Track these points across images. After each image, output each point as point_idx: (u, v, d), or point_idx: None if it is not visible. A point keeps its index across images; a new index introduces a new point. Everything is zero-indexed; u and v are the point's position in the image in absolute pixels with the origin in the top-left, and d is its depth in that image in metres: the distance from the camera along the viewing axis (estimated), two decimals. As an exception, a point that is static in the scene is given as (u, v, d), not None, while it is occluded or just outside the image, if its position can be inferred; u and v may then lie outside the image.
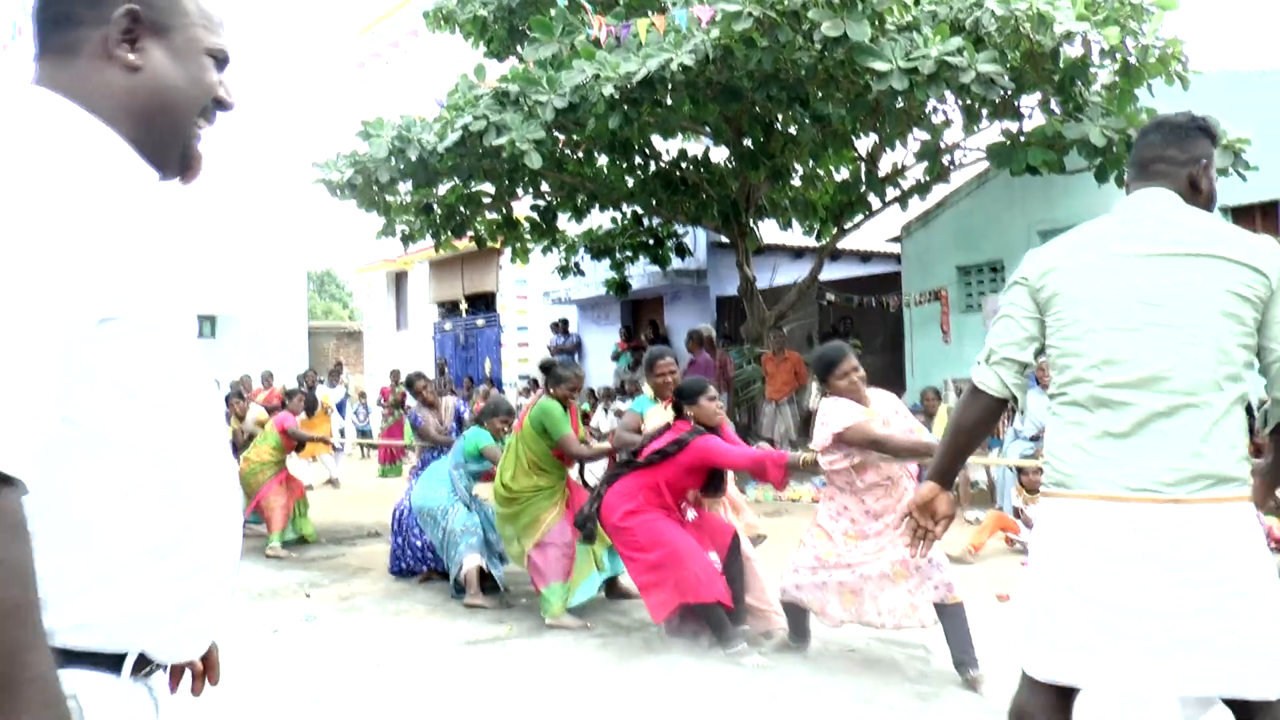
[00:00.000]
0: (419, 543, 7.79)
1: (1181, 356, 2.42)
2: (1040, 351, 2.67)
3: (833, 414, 4.83)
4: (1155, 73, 9.30)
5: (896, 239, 14.73)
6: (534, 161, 10.48)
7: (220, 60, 1.53)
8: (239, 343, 30.90)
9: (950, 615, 4.68)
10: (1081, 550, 2.45)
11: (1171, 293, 2.46)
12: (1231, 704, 2.49)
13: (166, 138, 1.46)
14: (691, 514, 5.90)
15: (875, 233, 15.96)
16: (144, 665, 1.38)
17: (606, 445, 6.80)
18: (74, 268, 1.17)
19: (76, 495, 1.25)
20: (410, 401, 8.83)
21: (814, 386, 5.07)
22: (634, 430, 6.46)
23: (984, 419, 2.74)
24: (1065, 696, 2.57)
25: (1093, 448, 2.47)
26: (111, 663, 1.32)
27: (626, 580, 6.54)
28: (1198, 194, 2.65)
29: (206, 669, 1.63)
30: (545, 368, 6.66)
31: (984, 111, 10.78)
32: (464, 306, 23.88)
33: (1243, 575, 2.36)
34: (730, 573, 5.71)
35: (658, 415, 6.40)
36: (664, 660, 5.24)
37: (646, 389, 6.75)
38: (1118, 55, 9.27)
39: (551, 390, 6.55)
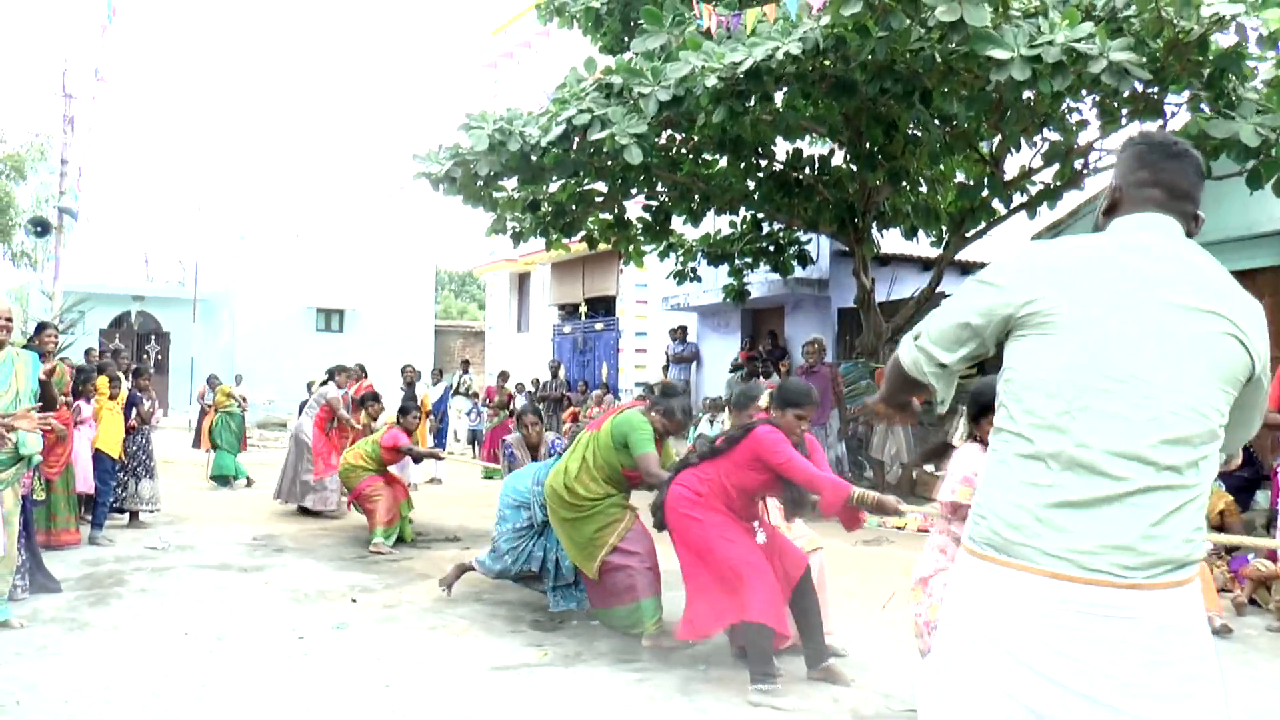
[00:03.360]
0: None
1: (1167, 427, 2.07)
2: (971, 360, 2.36)
3: (962, 472, 4.18)
4: (1327, 64, 8.27)
5: (1027, 251, 13.73)
6: (634, 156, 10.00)
7: None
8: (365, 337, 31.40)
9: None
10: (1016, 629, 2.10)
11: (1176, 354, 2.11)
12: None
13: None
14: (762, 536, 5.28)
15: (1009, 245, 14.99)
16: None
17: None
18: None
19: None
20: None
21: (960, 422, 4.36)
22: None
23: (906, 388, 2.53)
24: None
25: (1046, 516, 2.10)
26: None
27: None
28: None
29: None
30: (668, 392, 6.07)
31: (1123, 111, 9.84)
32: (584, 310, 23.59)
33: (1195, 656, 2.10)
34: (801, 606, 5.12)
35: None
36: (697, 706, 4.64)
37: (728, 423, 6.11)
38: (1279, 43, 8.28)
39: (654, 413, 5.91)
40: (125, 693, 4.73)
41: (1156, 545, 2.04)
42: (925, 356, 2.37)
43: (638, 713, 4.54)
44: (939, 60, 9.10)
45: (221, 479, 14.22)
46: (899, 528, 10.85)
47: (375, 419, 11.52)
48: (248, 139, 31.84)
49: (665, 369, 19.94)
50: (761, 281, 17.29)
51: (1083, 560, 2.04)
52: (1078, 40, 7.73)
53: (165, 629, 5.96)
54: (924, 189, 13.27)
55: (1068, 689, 2.03)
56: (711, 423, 14.37)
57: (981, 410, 4.20)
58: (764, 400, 5.37)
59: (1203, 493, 2.11)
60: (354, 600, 6.91)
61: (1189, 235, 2.26)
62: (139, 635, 5.82)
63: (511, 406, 17.83)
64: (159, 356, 30.19)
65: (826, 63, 9.83)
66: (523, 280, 26.75)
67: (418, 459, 10.52)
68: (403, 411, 10.42)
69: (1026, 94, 9.25)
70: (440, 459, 11.60)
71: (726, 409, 14.49)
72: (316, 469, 11.39)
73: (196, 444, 21.49)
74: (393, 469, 9.94)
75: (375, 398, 11.89)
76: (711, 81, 9.41)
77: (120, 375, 10.00)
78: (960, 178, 12.74)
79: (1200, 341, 2.10)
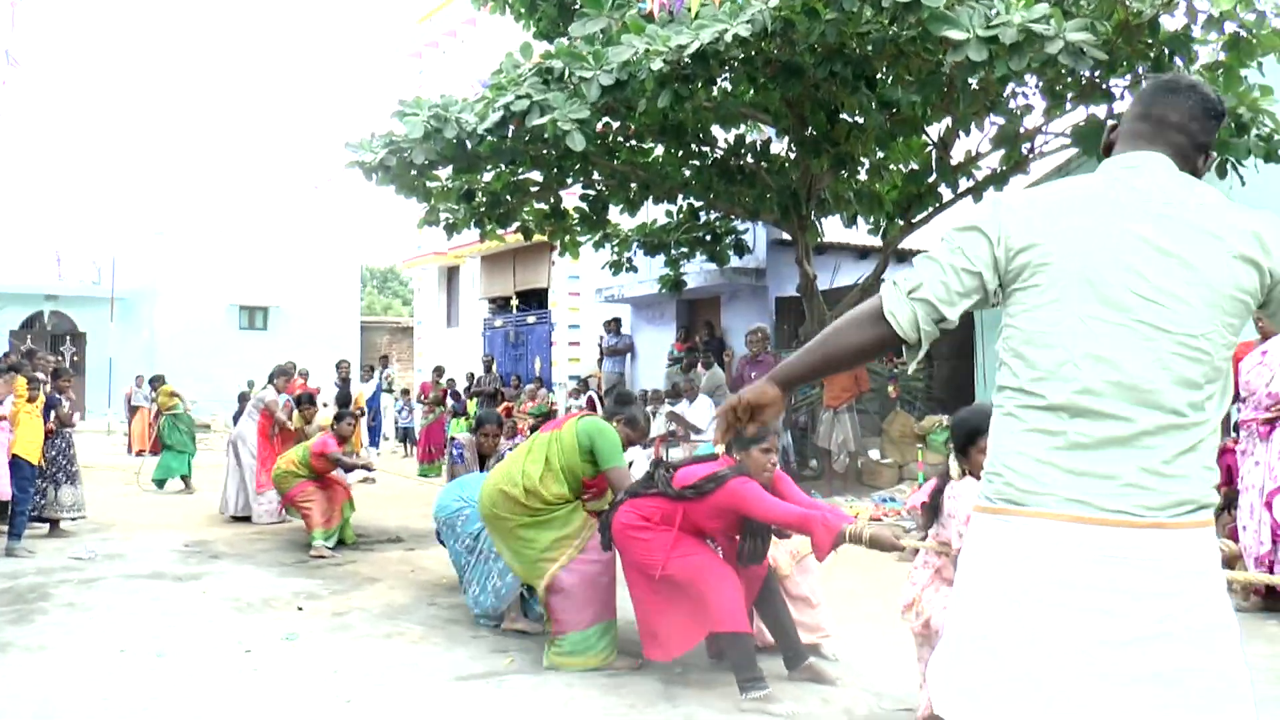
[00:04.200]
0: None
1: (1171, 369, 2.02)
2: (967, 312, 2.23)
3: (966, 512, 3.84)
4: (1270, 46, 8.27)
5: (968, 237, 13.71)
6: (577, 143, 9.71)
7: None
8: (290, 335, 30.73)
9: None
10: (1040, 579, 2.03)
11: (1173, 290, 2.03)
12: None
13: None
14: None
15: (945, 232, 14.96)
16: None
17: None
18: None
19: None
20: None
21: (952, 463, 4.08)
22: None
23: (871, 350, 2.27)
24: None
25: (1062, 461, 2.03)
26: None
27: None
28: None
29: None
30: (624, 400, 5.69)
31: (1068, 95, 9.81)
32: (515, 303, 23.23)
33: (1212, 600, 2.04)
34: (768, 609, 4.90)
35: None
36: (683, 713, 4.40)
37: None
38: (1225, 26, 8.28)
39: (616, 423, 5.52)
40: (60, 719, 4.36)
41: (1173, 485, 2.00)
42: (927, 309, 2.17)
43: (619, 722, 4.29)
44: (889, 43, 8.96)
45: (162, 482, 13.73)
46: (853, 516, 10.71)
47: (309, 422, 11.08)
48: (165, 131, 30.85)
49: (599, 361, 19.70)
50: (697, 271, 17.11)
51: (1102, 501, 1.99)
52: (1034, 21, 7.62)
53: (99, 646, 5.56)
54: (863, 176, 13.16)
55: (1087, 633, 1.98)
56: (653, 415, 14.13)
57: (969, 439, 3.98)
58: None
59: (1212, 432, 2.05)
60: (300, 608, 6.54)
61: (1195, 171, 2.18)
62: (70, 654, 5.41)
63: (447, 402, 17.45)
64: (75, 358, 29.14)
65: (772, 47, 9.65)
66: (452, 274, 26.29)
67: (347, 469, 10.01)
68: (337, 418, 9.99)
69: (974, 77, 9.12)
70: (371, 470, 11.08)
71: (667, 400, 14.27)
72: (259, 481, 10.86)
73: (129, 449, 20.73)
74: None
75: (310, 400, 11.45)
76: (657, 65, 9.16)
77: (39, 376, 9.47)
78: (904, 164, 12.64)
79: (1195, 274, 2.03)
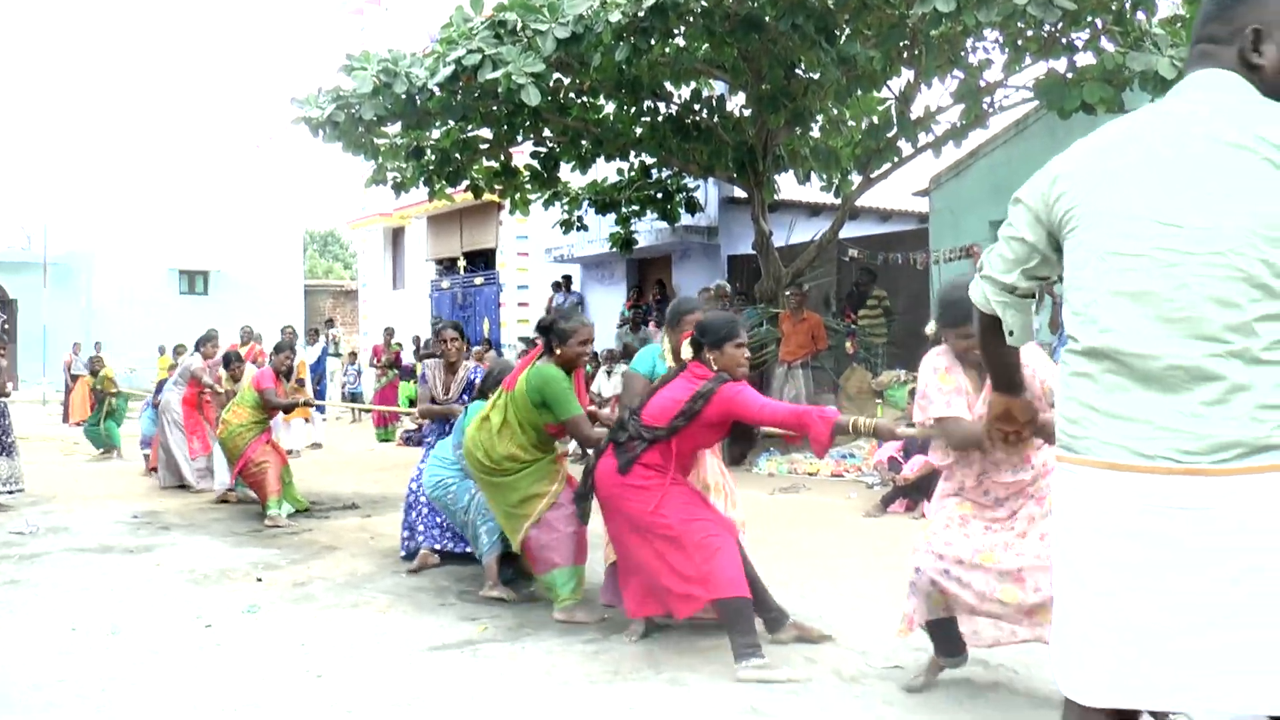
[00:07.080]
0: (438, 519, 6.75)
1: (1197, 289, 1.86)
2: (1039, 278, 2.25)
3: (923, 393, 3.79)
4: (1233, -2, 8.21)
5: (923, 192, 13.66)
6: (531, 97, 9.46)
7: None
8: (232, 299, 30.16)
9: None
10: (1090, 532, 1.97)
11: (1194, 208, 1.88)
12: None
13: None
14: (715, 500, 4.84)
15: (896, 189, 14.91)
16: None
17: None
18: None
19: None
20: (428, 361, 7.65)
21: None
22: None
23: (990, 334, 2.42)
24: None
25: (1101, 403, 1.96)
26: None
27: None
28: (1256, 72, 1.96)
29: None
30: (545, 328, 5.41)
31: (1029, 49, 9.71)
32: (462, 264, 22.88)
33: None
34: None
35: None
36: (669, 678, 4.26)
37: (665, 345, 5.45)
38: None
39: (558, 351, 5.22)
40: (13, 704, 4.13)
41: (1214, 426, 1.84)
42: (989, 283, 2.32)
43: (607, 689, 4.13)
44: (852, -6, 8.82)
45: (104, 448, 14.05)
46: (811, 473, 10.68)
47: (238, 380, 10.79)
48: (99, 90, 29.93)
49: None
50: (648, 230, 16.91)
51: (1137, 446, 1.90)
52: (1002, -30, 7.50)
53: (48, 625, 5.30)
54: (816, 134, 13.01)
55: (1152, 590, 1.88)
56: (609, 375, 13.98)
57: (948, 324, 3.80)
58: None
59: (1264, 361, 1.82)
60: (259, 579, 6.32)
61: (1252, 65, 1.96)
62: (18, 634, 5.15)
63: (401, 363, 17.25)
64: (5, 325, 28.32)
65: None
66: (397, 235, 25.83)
67: (287, 410, 9.72)
68: (276, 349, 9.69)
69: (938, 30, 8.97)
70: (314, 405, 10.99)
71: (621, 360, 14.08)
72: (192, 449, 10.62)
73: (66, 419, 20.28)
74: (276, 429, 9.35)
75: (238, 357, 11.15)
76: (615, 17, 8.93)
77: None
78: (864, 119, 12.49)
79: (1223, 189, 1.87)
